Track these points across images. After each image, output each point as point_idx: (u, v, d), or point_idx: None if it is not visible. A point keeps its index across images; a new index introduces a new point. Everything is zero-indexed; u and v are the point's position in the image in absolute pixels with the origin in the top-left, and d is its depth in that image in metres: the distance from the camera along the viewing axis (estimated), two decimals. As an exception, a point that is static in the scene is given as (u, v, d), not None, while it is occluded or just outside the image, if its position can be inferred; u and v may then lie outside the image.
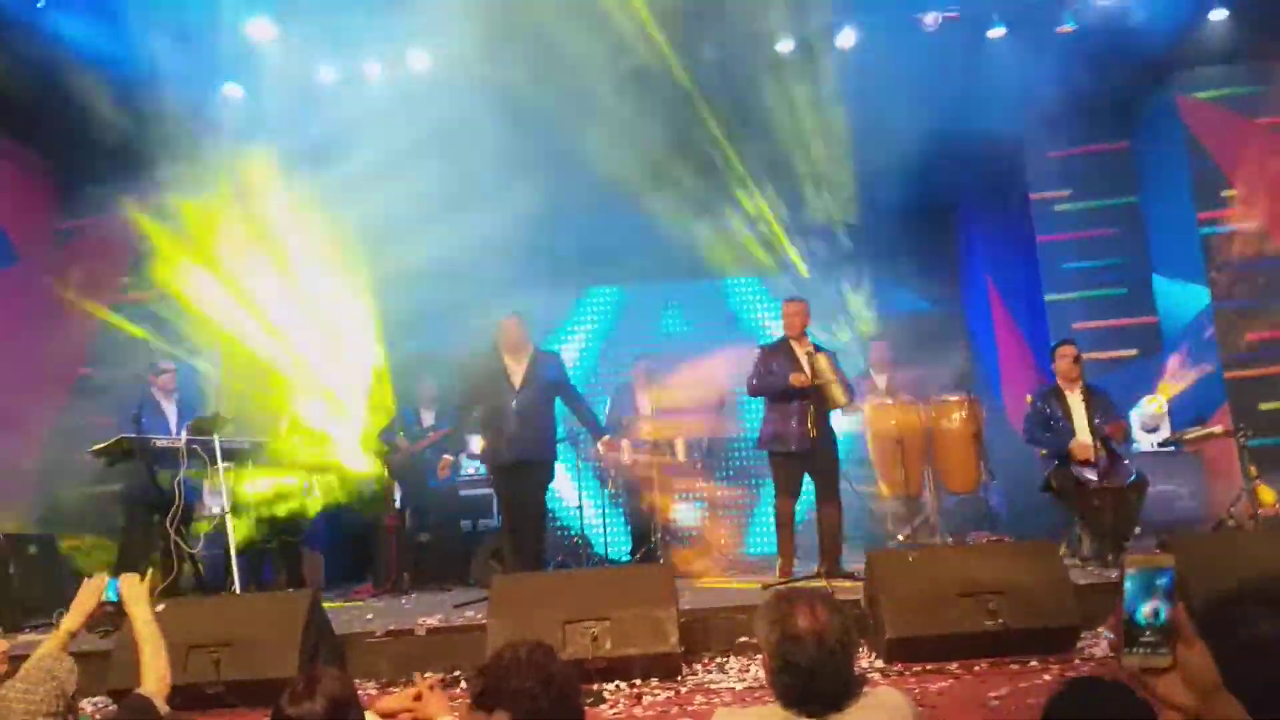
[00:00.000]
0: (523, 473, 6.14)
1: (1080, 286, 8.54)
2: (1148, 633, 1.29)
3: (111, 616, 4.53)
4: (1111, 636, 1.35)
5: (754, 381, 6.25)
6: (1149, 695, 1.33)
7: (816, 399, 5.94)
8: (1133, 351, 8.38)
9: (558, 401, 6.43)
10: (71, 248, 8.54)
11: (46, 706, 2.35)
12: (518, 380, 6.22)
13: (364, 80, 7.95)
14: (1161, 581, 1.30)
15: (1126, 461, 6.13)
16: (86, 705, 3.74)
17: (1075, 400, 6.23)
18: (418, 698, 2.68)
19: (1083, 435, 6.06)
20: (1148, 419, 7.67)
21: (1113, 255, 8.56)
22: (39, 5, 7.02)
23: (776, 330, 6.67)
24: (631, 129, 7.47)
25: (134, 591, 3.12)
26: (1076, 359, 6.24)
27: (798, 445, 5.97)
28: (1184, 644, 1.30)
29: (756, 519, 8.96)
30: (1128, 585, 1.31)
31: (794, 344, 6.23)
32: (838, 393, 5.92)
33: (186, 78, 7.33)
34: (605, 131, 7.38)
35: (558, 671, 1.96)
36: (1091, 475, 5.88)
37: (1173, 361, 8.02)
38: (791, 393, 6.00)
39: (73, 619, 3.17)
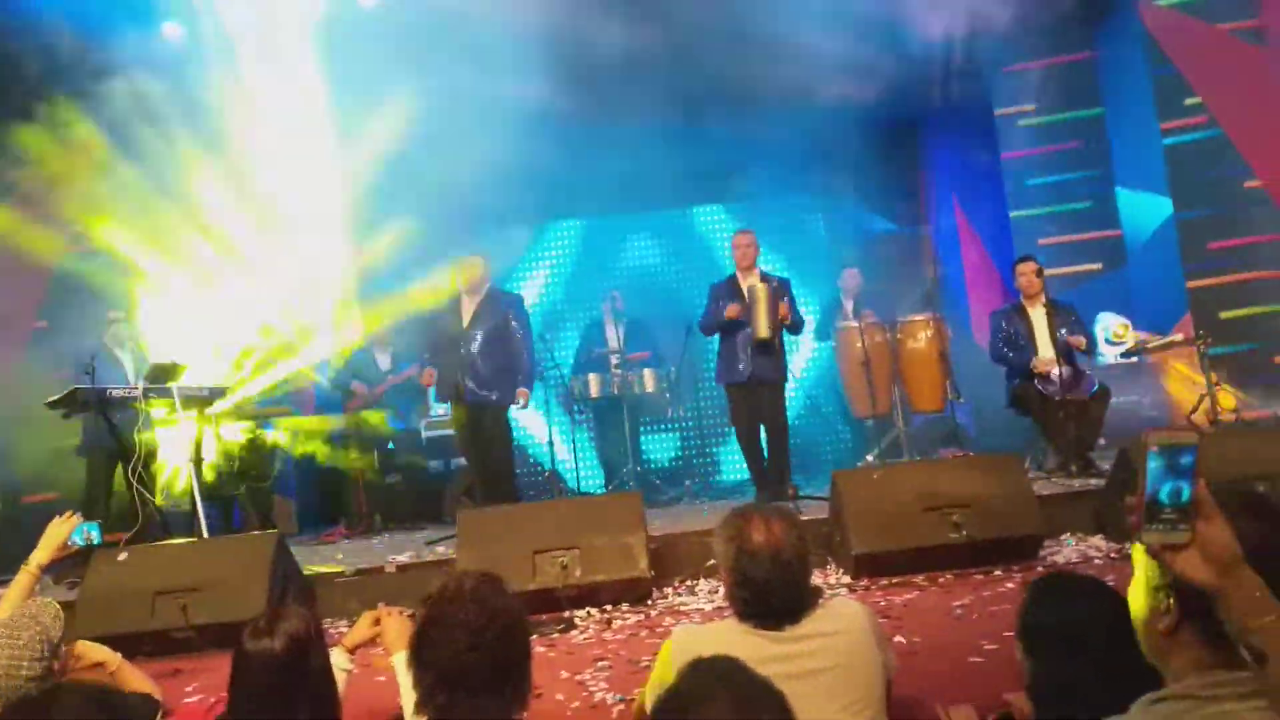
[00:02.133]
0: (484, 412, 6.18)
1: (1045, 202, 8.50)
2: (1168, 510, 1.29)
3: (76, 564, 4.51)
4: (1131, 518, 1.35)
5: (702, 319, 6.41)
6: (1169, 571, 1.34)
7: (756, 325, 5.99)
8: (1097, 265, 8.39)
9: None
10: (17, 201, 8.27)
11: (30, 652, 2.31)
12: (468, 320, 6.24)
13: (307, 16, 7.67)
14: (1185, 460, 1.29)
15: (1089, 373, 6.18)
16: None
17: (1038, 316, 6.26)
18: (376, 622, 2.66)
19: (1045, 351, 6.10)
20: (1112, 331, 7.71)
21: (1077, 169, 8.52)
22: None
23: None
24: (581, 56, 7.31)
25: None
26: (1038, 273, 6.26)
27: (745, 376, 6.12)
28: (1204, 520, 1.30)
29: (728, 447, 8.99)
30: (1150, 463, 1.30)
31: (740, 277, 6.30)
32: (762, 320, 5.95)
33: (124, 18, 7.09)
34: (557, 60, 7.22)
35: (503, 605, 1.91)
36: (1054, 388, 5.91)
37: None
38: (734, 324, 6.10)
39: (41, 553, 3.14)
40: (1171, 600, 1.42)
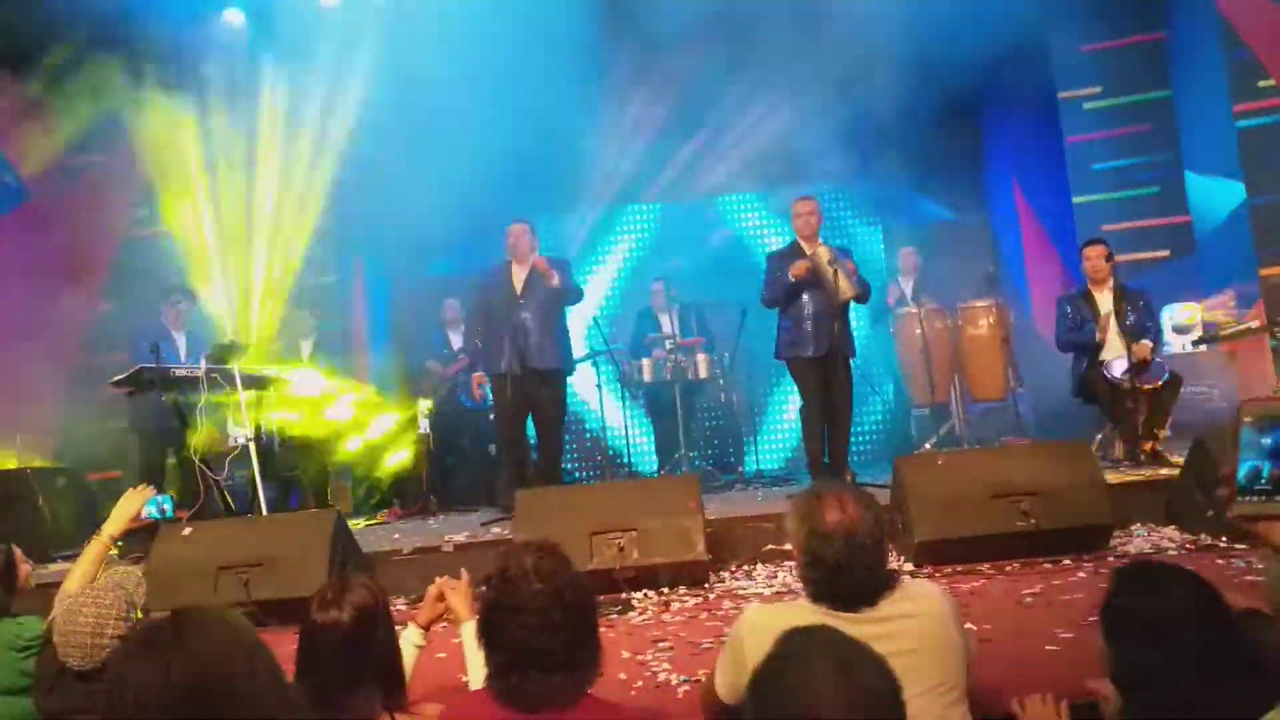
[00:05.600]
0: (535, 382, 5.98)
1: (1110, 187, 8.27)
2: (1262, 480, 1.24)
3: (142, 539, 4.58)
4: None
5: (764, 291, 6.04)
6: (1259, 541, 1.30)
7: (829, 304, 5.71)
8: (1164, 252, 8.15)
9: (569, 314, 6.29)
10: (83, 182, 8.46)
11: (115, 612, 2.37)
12: (520, 287, 6.06)
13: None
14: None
15: (1159, 360, 5.99)
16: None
17: (1105, 300, 6.10)
18: (440, 598, 2.66)
19: (1112, 336, 5.95)
20: (1181, 322, 7.48)
21: (1144, 153, 8.27)
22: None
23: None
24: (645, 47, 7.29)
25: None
26: (1108, 257, 6.09)
27: (815, 350, 5.79)
28: None
29: (778, 430, 8.90)
30: (1244, 436, 1.25)
31: (804, 245, 5.96)
32: (843, 283, 5.61)
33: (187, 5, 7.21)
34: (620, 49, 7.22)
35: (568, 580, 1.88)
36: (1123, 375, 5.75)
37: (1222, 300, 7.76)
38: (804, 297, 5.79)
39: (114, 524, 3.20)
40: None
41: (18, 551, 3.02)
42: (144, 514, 3.23)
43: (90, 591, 2.47)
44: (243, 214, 7.77)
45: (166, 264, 7.78)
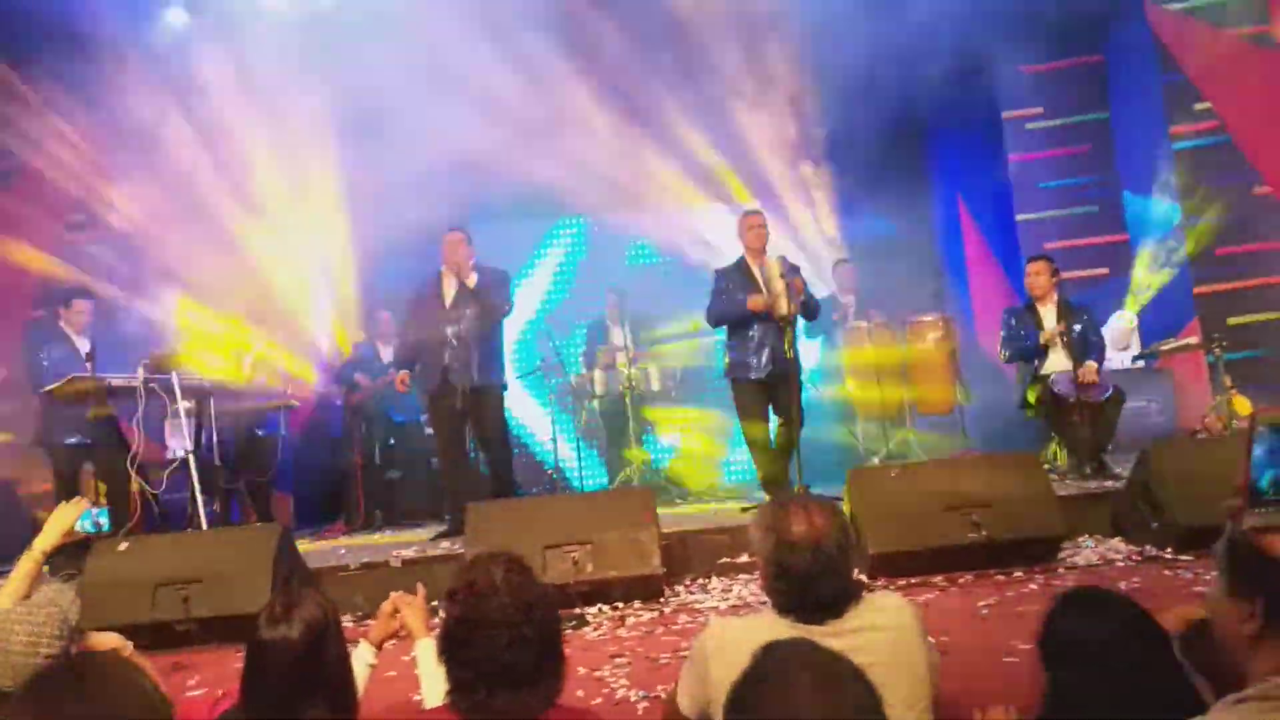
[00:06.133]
0: (483, 397, 5.76)
1: (1052, 205, 8.47)
2: (1272, 492, 1.24)
3: (78, 554, 4.40)
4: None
5: (711, 308, 5.87)
6: (1268, 552, 1.30)
7: (777, 326, 5.60)
8: (1104, 270, 8.35)
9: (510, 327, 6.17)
10: (17, 187, 8.16)
11: (50, 630, 2.25)
12: (451, 300, 5.81)
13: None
14: None
15: (1101, 376, 6.10)
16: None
17: (1048, 315, 6.21)
18: (394, 614, 2.57)
19: (1055, 351, 6.07)
20: (1118, 336, 7.66)
21: (1084, 173, 8.49)
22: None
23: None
24: (587, 57, 7.28)
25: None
26: (1053, 273, 6.20)
27: (760, 372, 5.68)
28: None
29: (733, 446, 8.89)
30: (1256, 449, 1.25)
31: (751, 261, 5.84)
32: (781, 300, 5.50)
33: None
34: (565, 60, 7.19)
35: (537, 595, 1.82)
36: (1067, 390, 5.84)
37: (1140, 262, 8.00)
38: (751, 316, 5.67)
39: (46, 538, 3.04)
40: (1259, 604, 1.39)
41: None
42: (78, 527, 3.09)
43: (24, 609, 2.34)
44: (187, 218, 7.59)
45: (102, 269, 7.54)
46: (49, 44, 6.89)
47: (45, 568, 3.24)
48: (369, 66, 7.16)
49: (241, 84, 7.57)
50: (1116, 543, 4.66)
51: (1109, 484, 5.30)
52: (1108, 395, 5.87)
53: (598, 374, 7.38)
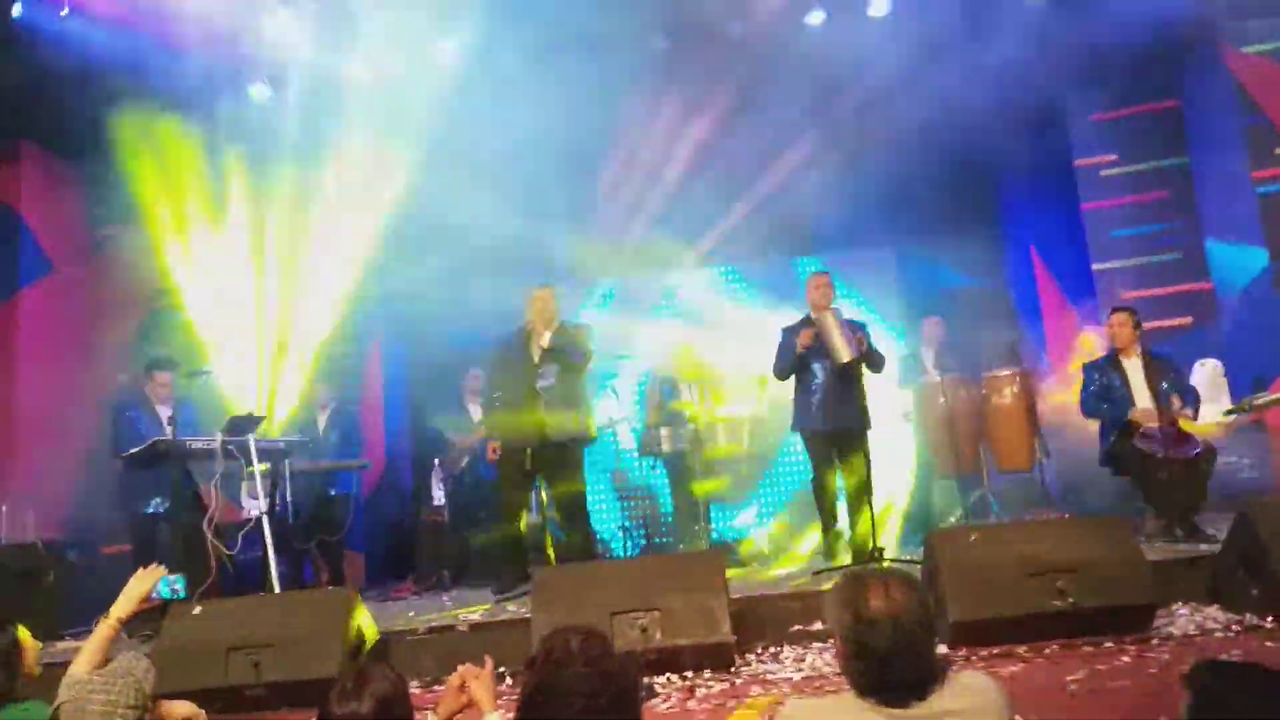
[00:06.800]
0: (553, 453, 5.83)
1: (1129, 254, 8.23)
2: None
3: (154, 617, 4.47)
4: None
5: (776, 364, 6.04)
6: None
7: (841, 375, 5.70)
8: (1186, 319, 8.07)
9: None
10: (107, 256, 8.53)
11: (125, 700, 2.30)
12: (539, 355, 5.91)
13: (390, 75, 7.79)
14: None
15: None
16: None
17: (1134, 368, 5.99)
18: (462, 688, 2.54)
19: (1143, 403, 5.82)
20: (1207, 386, 7.35)
21: (1163, 220, 8.24)
22: (62, 14, 6.99)
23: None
24: (664, 109, 7.37)
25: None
26: (1136, 325, 6.00)
27: (825, 424, 5.78)
28: None
29: (801, 503, 8.72)
30: None
31: (816, 318, 5.93)
32: (839, 348, 5.60)
33: (212, 79, 7.31)
34: (640, 113, 7.28)
35: (616, 667, 1.83)
36: (1156, 446, 5.61)
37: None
38: (815, 367, 5.80)
39: (123, 605, 3.10)
40: None
41: (24, 632, 2.92)
42: (155, 595, 3.13)
43: (100, 678, 2.40)
44: (262, 286, 7.82)
45: (185, 338, 7.79)
46: (133, 117, 7.20)
47: (123, 631, 3.29)
48: (443, 131, 7.37)
49: (322, 152, 7.85)
50: (1214, 611, 4.41)
51: (1202, 547, 5.04)
52: (1199, 451, 5.62)
53: (664, 431, 7.32)
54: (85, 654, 2.99)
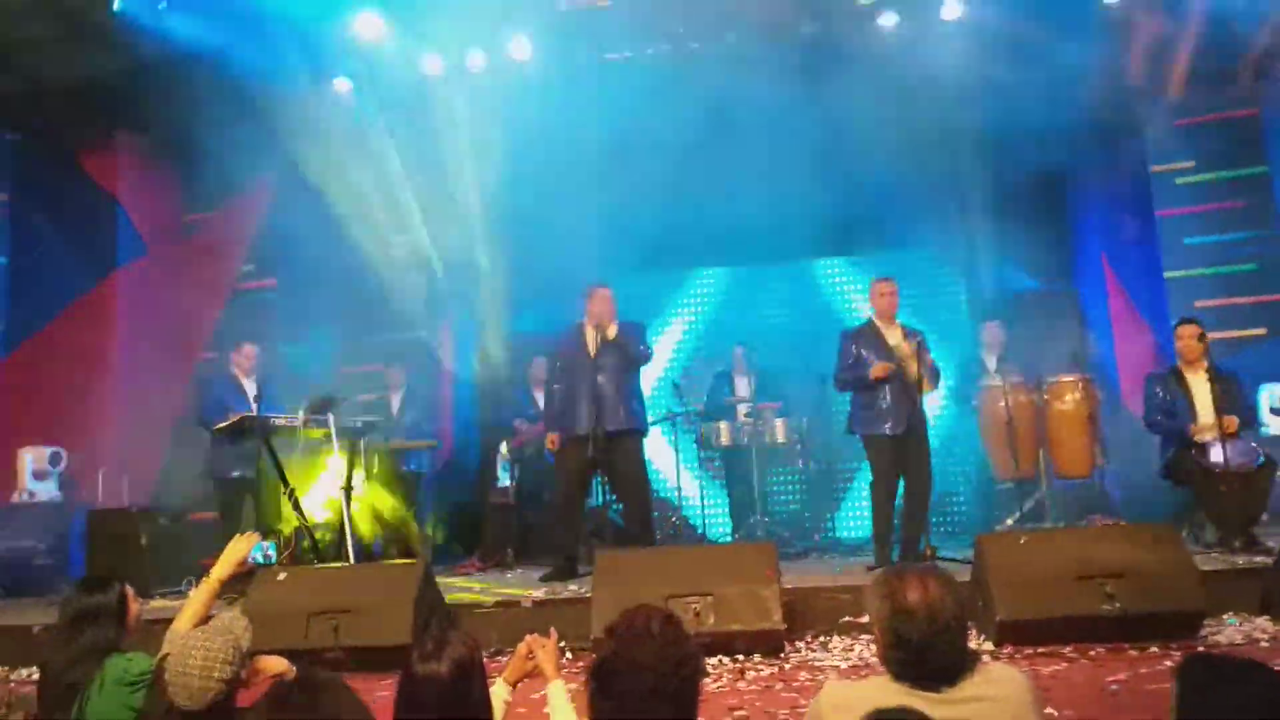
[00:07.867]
0: (611, 444, 6.00)
1: (1204, 262, 8.12)
2: None
3: (242, 580, 4.79)
4: None
5: (841, 375, 6.07)
6: None
7: (907, 381, 5.79)
8: (1261, 330, 7.95)
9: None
10: (196, 239, 8.98)
11: (224, 655, 2.47)
12: (595, 349, 6.11)
13: (467, 70, 8.05)
14: None
15: (1253, 444, 5.82)
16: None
17: (1198, 382, 5.95)
18: (528, 656, 2.75)
19: (1205, 419, 5.81)
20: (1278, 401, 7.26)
21: (1239, 229, 8.12)
22: (160, 7, 7.35)
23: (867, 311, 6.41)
24: (733, 109, 7.49)
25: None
26: (1200, 337, 5.97)
27: (893, 428, 5.82)
28: None
29: (853, 500, 8.82)
30: None
31: (881, 326, 6.04)
32: (924, 376, 5.76)
33: (298, 73, 7.64)
34: (712, 114, 7.42)
35: (688, 653, 1.95)
36: (1217, 459, 5.61)
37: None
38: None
39: (222, 568, 3.37)
40: None
41: (129, 590, 3.20)
42: (249, 559, 3.41)
43: (201, 634, 2.59)
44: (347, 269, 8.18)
45: (270, 316, 8.18)
46: (222, 107, 7.55)
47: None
48: (518, 126, 7.62)
49: (402, 144, 8.16)
50: (1263, 622, 4.43)
51: (1259, 559, 5.05)
52: (1259, 463, 5.60)
53: (722, 425, 7.49)
54: (188, 611, 3.27)
